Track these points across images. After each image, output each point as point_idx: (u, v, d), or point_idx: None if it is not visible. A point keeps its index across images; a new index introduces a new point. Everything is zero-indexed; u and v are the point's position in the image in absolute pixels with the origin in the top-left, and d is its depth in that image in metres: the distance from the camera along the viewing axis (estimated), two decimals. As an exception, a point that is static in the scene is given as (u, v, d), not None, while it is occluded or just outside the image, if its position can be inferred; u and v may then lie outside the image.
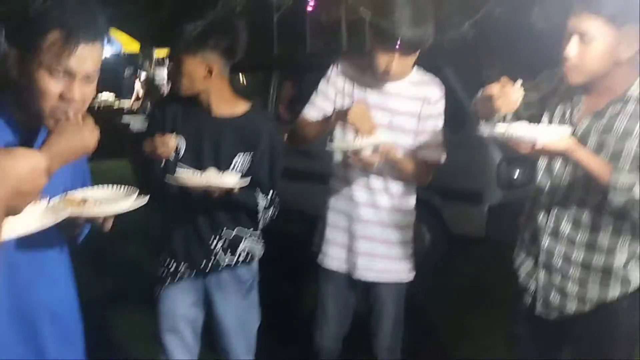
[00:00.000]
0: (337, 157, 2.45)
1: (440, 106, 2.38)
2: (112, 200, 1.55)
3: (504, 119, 2.01)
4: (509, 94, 1.82)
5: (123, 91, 14.68)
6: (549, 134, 1.76)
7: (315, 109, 2.43)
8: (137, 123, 9.17)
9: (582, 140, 1.86)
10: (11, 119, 1.45)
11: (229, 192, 2.11)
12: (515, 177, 4.70)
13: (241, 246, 2.31)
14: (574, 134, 1.85)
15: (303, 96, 2.63)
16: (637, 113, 1.81)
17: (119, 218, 1.55)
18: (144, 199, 1.58)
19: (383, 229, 2.42)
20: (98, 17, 1.42)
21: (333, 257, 2.49)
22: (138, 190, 1.59)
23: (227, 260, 2.29)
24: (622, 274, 1.90)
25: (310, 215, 2.84)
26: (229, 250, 2.29)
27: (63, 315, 1.62)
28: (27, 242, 1.17)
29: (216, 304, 2.35)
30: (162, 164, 2.23)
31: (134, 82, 14.13)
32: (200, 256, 2.29)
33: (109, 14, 1.45)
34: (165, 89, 12.51)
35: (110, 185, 1.63)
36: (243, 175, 2.16)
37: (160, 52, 16.00)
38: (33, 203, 1.21)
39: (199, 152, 2.24)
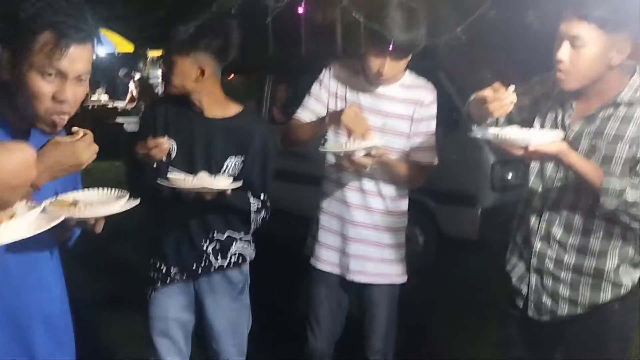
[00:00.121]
0: (330, 159, 2.46)
1: (432, 109, 2.38)
2: (103, 203, 1.54)
3: (496, 123, 2.02)
4: (502, 98, 1.83)
5: (117, 92, 14.65)
6: (541, 138, 1.76)
7: (308, 112, 2.43)
8: (131, 124, 9.14)
9: (574, 144, 1.86)
10: (3, 121, 1.45)
11: (220, 194, 2.10)
12: (508, 179, 4.71)
13: (232, 249, 2.30)
14: (565, 138, 1.85)
15: (297, 98, 2.63)
16: (628, 117, 1.82)
17: (110, 220, 1.55)
18: (135, 201, 1.57)
19: (376, 232, 2.42)
20: (89, 18, 1.42)
21: (326, 260, 2.49)
22: (129, 193, 1.59)
23: (218, 263, 2.29)
24: (614, 278, 1.91)
25: (303, 217, 2.84)
26: (220, 253, 2.28)
27: (54, 318, 1.61)
28: (18, 245, 1.17)
29: (207, 306, 2.34)
30: (154, 166, 2.22)
31: (129, 83, 14.07)
32: (191, 259, 2.28)
33: (104, 14, 1.45)
34: (160, 89, 12.45)
35: (101, 188, 1.63)
36: (235, 178, 2.16)
37: (154, 53, 15.96)
38: (25, 202, 1.20)
39: (191, 154, 2.24)
